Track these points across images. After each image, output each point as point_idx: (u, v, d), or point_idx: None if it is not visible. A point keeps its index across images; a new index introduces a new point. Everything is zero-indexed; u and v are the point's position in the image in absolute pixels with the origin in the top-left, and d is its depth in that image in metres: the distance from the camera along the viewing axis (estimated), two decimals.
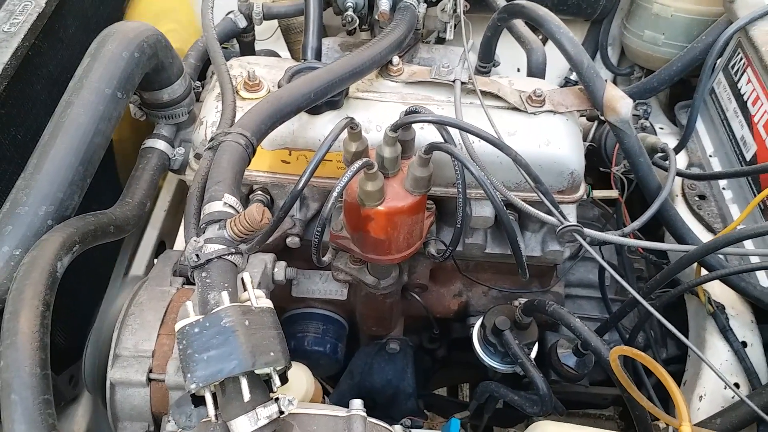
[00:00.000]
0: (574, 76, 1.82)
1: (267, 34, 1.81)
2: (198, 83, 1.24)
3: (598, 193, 1.32)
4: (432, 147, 0.88)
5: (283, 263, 1.10)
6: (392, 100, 1.13)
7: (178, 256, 1.10)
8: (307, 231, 1.22)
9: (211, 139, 0.86)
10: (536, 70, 1.25)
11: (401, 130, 0.92)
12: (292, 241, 1.18)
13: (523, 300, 1.15)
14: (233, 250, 0.70)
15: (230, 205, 0.75)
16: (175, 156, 1.15)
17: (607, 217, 1.48)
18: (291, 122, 1.03)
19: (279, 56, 1.71)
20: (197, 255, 0.68)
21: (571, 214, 1.16)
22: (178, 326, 0.62)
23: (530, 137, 1.09)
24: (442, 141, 0.92)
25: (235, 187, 0.78)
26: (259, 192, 1.19)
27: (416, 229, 1.03)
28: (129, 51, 0.97)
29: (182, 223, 1.71)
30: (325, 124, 1.09)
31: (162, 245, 1.55)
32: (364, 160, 0.86)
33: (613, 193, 1.31)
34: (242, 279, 0.69)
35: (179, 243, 1.63)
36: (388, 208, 0.95)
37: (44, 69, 1.14)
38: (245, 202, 1.20)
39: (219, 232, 0.71)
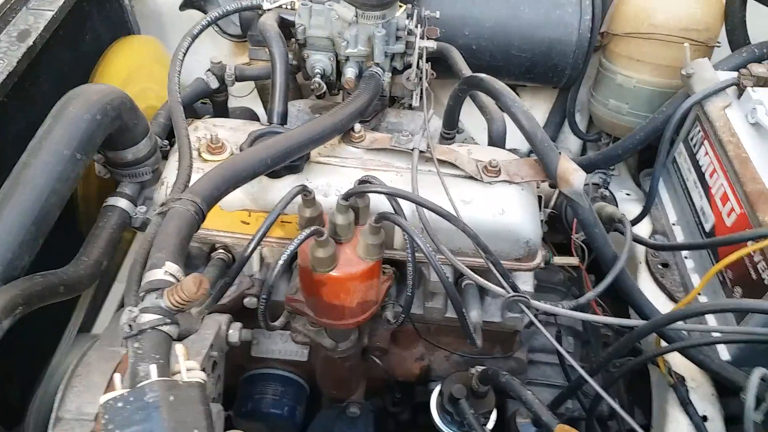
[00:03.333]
0: None
1: (245, 91, 1.85)
2: (165, 142, 1.26)
3: (559, 260, 1.33)
4: (381, 217, 0.90)
5: (238, 324, 1.10)
6: (353, 165, 1.15)
7: None
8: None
9: (162, 204, 0.87)
10: (497, 139, 1.28)
11: (353, 198, 0.94)
12: (250, 301, 1.18)
13: (480, 368, 1.15)
14: (168, 321, 0.70)
15: (171, 274, 0.75)
16: (136, 214, 1.15)
17: (574, 281, 1.49)
18: (251, 184, 1.05)
19: (256, 114, 1.76)
20: (130, 325, 0.68)
21: (527, 282, 1.17)
22: (102, 399, 0.62)
23: (485, 206, 1.10)
24: (392, 212, 0.94)
25: (178, 255, 0.78)
26: (221, 251, 1.20)
27: (371, 294, 1.03)
28: (91, 113, 0.99)
29: None
30: (284, 187, 1.10)
31: None
32: (313, 228, 0.87)
33: (574, 260, 1.32)
34: (175, 349, 0.69)
35: None
36: (341, 273, 0.95)
37: (12, 128, 1.16)
38: (206, 260, 1.21)
39: (156, 301, 0.72)
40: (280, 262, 0.86)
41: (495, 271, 0.95)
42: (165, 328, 0.70)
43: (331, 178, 1.13)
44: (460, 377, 1.17)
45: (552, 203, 1.38)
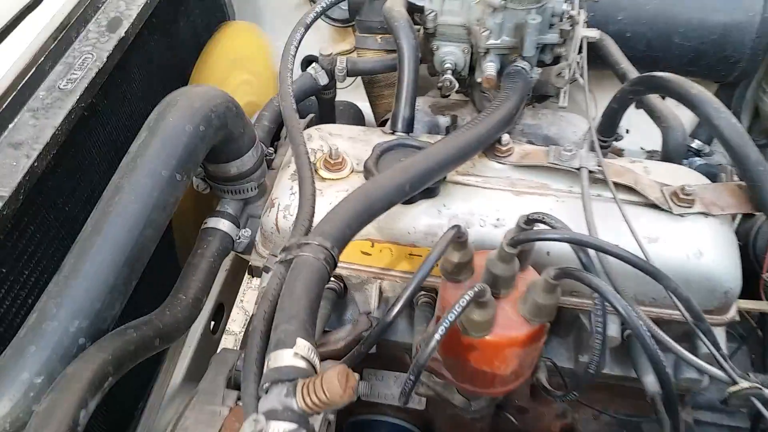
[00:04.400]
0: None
1: (347, 82, 1.65)
2: (270, 150, 1.08)
3: (745, 304, 1.07)
4: (564, 274, 0.68)
5: (355, 377, 0.91)
6: (499, 186, 0.93)
7: (234, 360, 0.92)
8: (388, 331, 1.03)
9: (284, 249, 0.68)
10: (674, 153, 1.02)
11: (521, 244, 0.72)
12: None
13: None
14: (303, 431, 0.51)
15: (303, 357, 0.56)
16: (240, 238, 0.98)
17: (749, 332, 1.21)
18: None
19: (360, 111, 1.56)
20: None
21: (720, 341, 0.92)
22: None
23: (676, 246, 0.86)
24: (577, 266, 0.71)
25: (310, 325, 0.59)
26: (333, 281, 1.01)
27: (529, 360, 0.81)
28: (194, 124, 0.82)
29: (242, 284, 1.56)
30: (418, 215, 0.90)
31: (221, 309, 1.40)
32: (478, 288, 0.66)
33: (765, 306, 1.05)
34: None
35: (236, 312, 1.47)
36: (499, 339, 0.74)
37: (102, 130, 1.01)
38: None
39: (287, 400, 0.53)
40: (432, 343, 0.65)
41: (709, 347, 0.71)
42: None
43: (473, 204, 0.91)
44: None
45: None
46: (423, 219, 0.90)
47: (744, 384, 0.68)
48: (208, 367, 0.93)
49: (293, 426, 0.51)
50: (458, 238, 0.72)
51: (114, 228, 0.73)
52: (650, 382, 0.89)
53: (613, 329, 0.92)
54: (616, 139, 1.13)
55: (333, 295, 1.01)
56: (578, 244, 0.69)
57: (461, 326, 0.74)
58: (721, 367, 0.69)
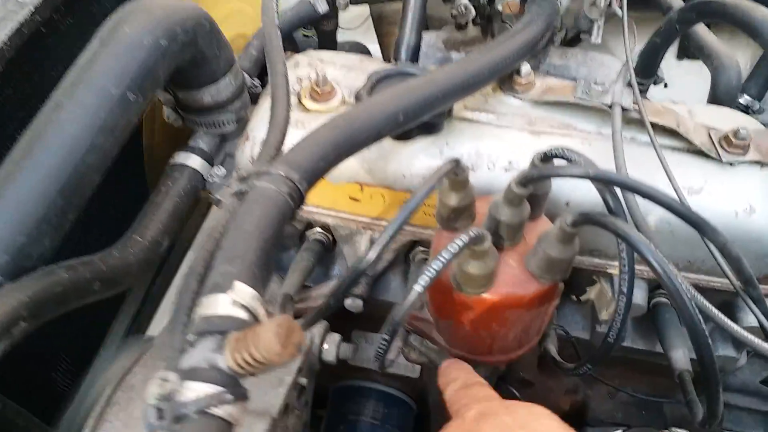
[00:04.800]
0: None
1: (356, 22, 1.51)
2: (257, 81, 0.96)
3: None
4: (586, 219, 0.54)
5: (336, 337, 0.80)
6: (515, 126, 0.79)
7: None
8: (374, 288, 0.91)
9: (243, 178, 0.56)
10: (725, 97, 0.87)
11: (533, 183, 0.58)
12: (354, 303, 0.87)
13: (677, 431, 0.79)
14: (230, 396, 0.40)
15: (243, 306, 0.44)
16: (213, 177, 0.86)
17: None
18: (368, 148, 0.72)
19: (368, 51, 1.41)
20: (159, 409, 0.38)
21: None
22: None
23: (723, 199, 0.72)
24: (603, 211, 0.57)
25: (260, 269, 0.47)
26: (319, 231, 0.89)
27: (536, 324, 0.69)
28: (153, 36, 0.68)
29: None
30: (415, 154, 0.77)
31: None
32: (473, 232, 0.53)
33: None
34: None
35: None
36: (499, 297, 0.61)
37: (64, 52, 0.89)
38: (298, 239, 0.91)
39: (213, 357, 0.41)
40: (416, 288, 0.52)
41: (759, 316, 0.58)
42: (221, 412, 0.40)
43: (483, 144, 0.77)
44: None
45: None
46: (421, 159, 0.77)
47: None
48: (169, 319, 0.83)
49: (217, 389, 0.39)
50: (456, 174, 0.59)
51: (47, 151, 0.61)
52: (678, 357, 0.76)
53: (639, 296, 0.79)
54: (656, 82, 0.98)
55: (320, 248, 0.89)
56: (604, 182, 0.56)
57: (455, 281, 0.61)
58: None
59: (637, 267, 0.79)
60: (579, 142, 0.76)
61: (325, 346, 0.80)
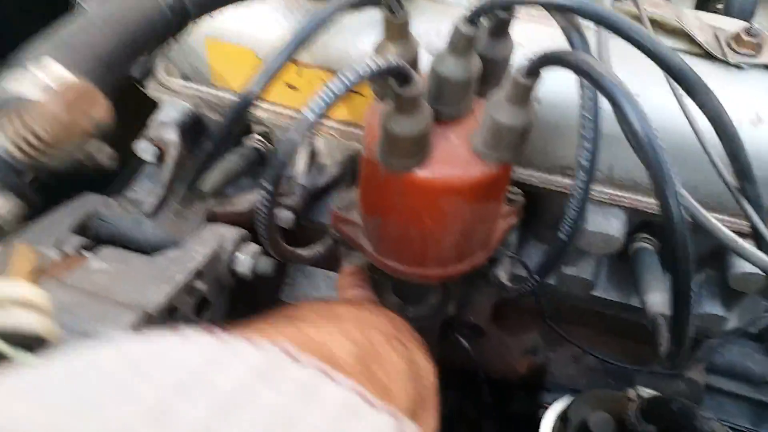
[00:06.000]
0: None
1: None
2: None
3: None
4: (543, 60, 0.41)
5: (254, 248, 0.67)
6: None
7: (96, 204, 0.69)
8: (314, 210, 0.78)
9: None
10: (738, 10, 0.74)
11: (485, 15, 0.46)
12: (286, 217, 0.74)
13: (647, 391, 0.66)
14: None
15: (46, 85, 0.32)
16: None
17: None
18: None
19: None
20: None
21: None
22: None
23: (730, 107, 0.59)
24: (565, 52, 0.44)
25: (87, 59, 0.35)
26: (256, 137, 0.77)
27: (481, 229, 0.56)
28: None
29: None
30: (363, 28, 0.65)
31: None
32: (397, 61, 0.41)
33: None
34: None
35: None
36: (433, 176, 0.49)
37: None
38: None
39: None
40: (306, 113, 0.40)
41: (752, 215, 0.45)
42: None
43: (445, 24, 0.65)
44: (603, 399, 0.69)
45: None
46: (370, 35, 0.64)
47: None
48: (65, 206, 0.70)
49: None
50: (391, 12, 0.47)
51: None
52: (655, 301, 0.64)
53: (615, 226, 0.66)
54: None
55: (254, 155, 0.77)
56: (572, 11, 0.43)
57: (380, 154, 0.49)
58: None
59: (616, 193, 0.67)
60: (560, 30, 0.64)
61: (240, 254, 0.67)
